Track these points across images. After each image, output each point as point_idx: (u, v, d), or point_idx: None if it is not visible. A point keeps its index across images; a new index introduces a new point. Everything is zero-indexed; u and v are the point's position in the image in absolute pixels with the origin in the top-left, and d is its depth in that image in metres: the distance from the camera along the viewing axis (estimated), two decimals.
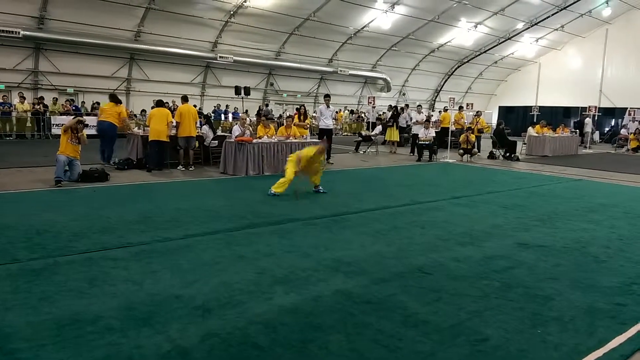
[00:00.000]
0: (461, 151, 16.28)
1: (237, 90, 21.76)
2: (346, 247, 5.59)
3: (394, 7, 23.93)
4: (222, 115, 24.26)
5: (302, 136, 13.35)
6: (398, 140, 18.75)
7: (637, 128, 22.70)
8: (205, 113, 18.62)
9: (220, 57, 23.42)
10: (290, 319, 3.66)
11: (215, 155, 12.77)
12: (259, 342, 3.29)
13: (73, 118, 10.30)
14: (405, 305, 3.98)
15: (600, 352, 3.30)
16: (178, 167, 11.93)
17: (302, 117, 14.69)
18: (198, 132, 12.69)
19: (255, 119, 20.91)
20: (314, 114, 21.84)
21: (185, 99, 12.45)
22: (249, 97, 23.79)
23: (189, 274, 4.56)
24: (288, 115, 15.53)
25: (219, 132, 15.44)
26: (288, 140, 12.27)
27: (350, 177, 11.82)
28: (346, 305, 3.93)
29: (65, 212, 6.97)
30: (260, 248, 5.45)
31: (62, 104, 20.66)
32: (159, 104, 12.21)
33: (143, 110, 21.46)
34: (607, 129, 28.62)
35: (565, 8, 26.40)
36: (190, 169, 11.92)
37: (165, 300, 3.94)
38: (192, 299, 3.97)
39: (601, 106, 27.30)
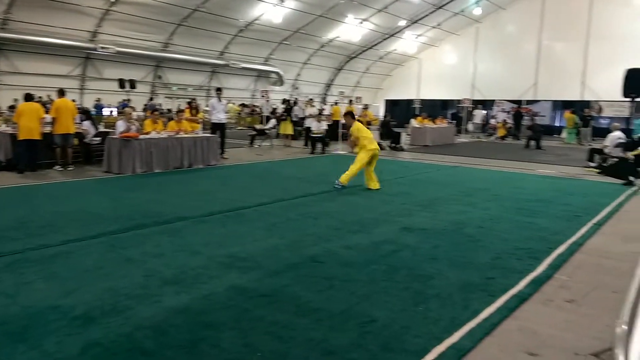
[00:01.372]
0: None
1: (122, 83, 20.45)
2: (240, 243, 5.54)
3: (283, 1, 24.03)
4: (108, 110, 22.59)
5: (194, 131, 12.95)
6: (292, 133, 18.95)
7: (504, 119, 25.27)
8: (85, 108, 17.23)
9: (101, 47, 21.78)
10: (180, 320, 3.55)
11: (97, 153, 11.89)
12: (147, 347, 3.15)
13: None
14: (298, 295, 4.05)
15: (474, 323, 3.64)
16: (55, 167, 10.93)
17: (193, 111, 14.26)
18: (77, 129, 11.73)
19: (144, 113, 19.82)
20: (207, 108, 21.26)
21: (61, 92, 11.42)
22: (135, 90, 22.47)
23: (68, 282, 4.23)
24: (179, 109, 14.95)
25: (102, 128, 14.39)
26: (179, 136, 11.83)
27: (244, 171, 11.72)
28: (239, 301, 3.91)
29: None
30: (148, 249, 5.21)
31: None
32: (28, 98, 11.05)
33: (12, 106, 19.28)
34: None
35: (441, 7, 28.46)
36: (69, 168, 10.98)
37: (41, 312, 3.62)
38: (72, 309, 3.69)
39: (474, 98, 29.93)
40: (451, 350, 3.21)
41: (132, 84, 20.99)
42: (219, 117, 13.82)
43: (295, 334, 3.36)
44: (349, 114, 10.24)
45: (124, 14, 21.45)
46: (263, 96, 20.59)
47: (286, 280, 4.40)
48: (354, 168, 9.09)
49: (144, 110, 21.96)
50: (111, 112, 21.66)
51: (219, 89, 14.42)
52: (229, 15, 24.03)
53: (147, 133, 11.43)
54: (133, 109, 17.49)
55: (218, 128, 13.67)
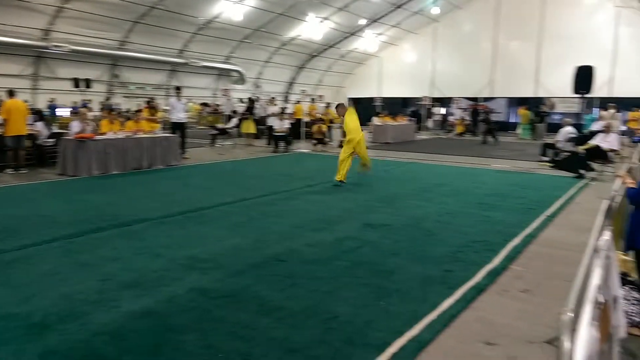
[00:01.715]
0: (314, 141, 16.94)
1: (77, 82, 19.78)
2: (201, 243, 5.48)
3: None
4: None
5: (153, 131, 12.68)
6: (255, 132, 18.83)
7: (462, 116, 25.89)
8: (38, 108, 16.56)
9: (54, 46, 20.96)
10: (140, 324, 3.49)
11: (51, 154, 11.47)
12: (106, 353, 3.09)
13: None
14: (260, 295, 4.05)
15: (433, 315, 3.73)
16: (7, 171, 10.47)
17: (152, 111, 13.95)
18: (30, 130, 11.28)
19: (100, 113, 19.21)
20: (166, 107, 20.83)
21: (11, 93, 10.94)
22: (90, 90, 21.77)
23: (24, 289, 4.08)
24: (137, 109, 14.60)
25: (56, 129, 13.88)
26: (137, 136, 11.55)
27: (206, 171, 11.56)
28: (201, 302, 3.87)
29: None
30: (106, 253, 5.08)
31: None
32: None
33: None
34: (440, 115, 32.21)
35: (400, 6, 28.84)
36: (22, 171, 10.54)
37: None
38: (29, 316, 3.57)
39: (433, 96, 30.50)
40: (411, 343, 3.28)
41: (88, 83, 20.33)
42: (179, 116, 13.59)
43: (257, 334, 3.36)
44: (340, 106, 10.54)
45: (78, 11, 20.72)
46: (224, 95, 20.37)
47: (248, 280, 4.38)
48: (341, 166, 9.50)
49: (101, 110, 21.34)
50: (74, 110, 20.73)
51: (178, 88, 14.18)
52: (188, 13, 23.59)
53: (103, 133, 11.12)
54: (89, 109, 16.98)
55: (178, 128, 13.44)
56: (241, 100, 23.03)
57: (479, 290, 4.24)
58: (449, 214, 7.17)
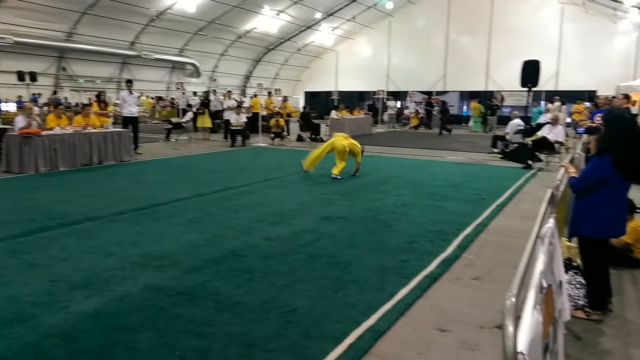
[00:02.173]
0: (272, 135, 16.85)
1: (21, 75, 18.81)
2: (156, 241, 5.35)
3: None
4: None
5: (103, 125, 12.24)
6: (211, 126, 18.52)
7: (416, 109, 26.40)
8: None
9: None
10: (92, 325, 3.38)
11: None
12: (55, 355, 2.98)
13: None
14: (218, 291, 4.01)
15: (389, 305, 3.81)
16: None
17: (102, 105, 13.44)
18: None
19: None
20: (117, 101, 20.16)
21: None
22: (36, 83, 20.75)
23: None
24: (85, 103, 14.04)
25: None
26: (86, 131, 11.13)
27: (161, 166, 11.29)
28: (156, 301, 3.79)
29: None
30: (55, 253, 4.88)
31: None
32: None
33: None
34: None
35: (355, 0, 29.03)
36: None
37: None
38: None
39: (389, 90, 30.93)
40: (368, 332, 3.34)
41: (33, 76, 19.35)
42: (131, 110, 13.18)
43: (215, 330, 3.33)
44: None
45: (22, 1, 19.68)
46: (178, 88, 19.90)
47: (205, 276, 4.33)
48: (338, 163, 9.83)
49: (47, 104, 20.42)
50: (19, 104, 19.65)
51: (129, 81, 13.73)
52: (139, 4, 22.85)
53: (50, 129, 10.65)
54: (35, 103, 16.20)
55: (130, 122, 13.04)
56: (195, 94, 22.57)
57: (433, 279, 4.36)
58: (405, 205, 7.31)
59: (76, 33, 23.26)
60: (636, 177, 3.53)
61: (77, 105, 21.85)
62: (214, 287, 4.09)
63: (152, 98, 29.31)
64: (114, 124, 14.06)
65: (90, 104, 14.16)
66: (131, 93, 13.30)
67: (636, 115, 14.84)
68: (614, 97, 13.07)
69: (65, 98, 23.93)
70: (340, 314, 3.61)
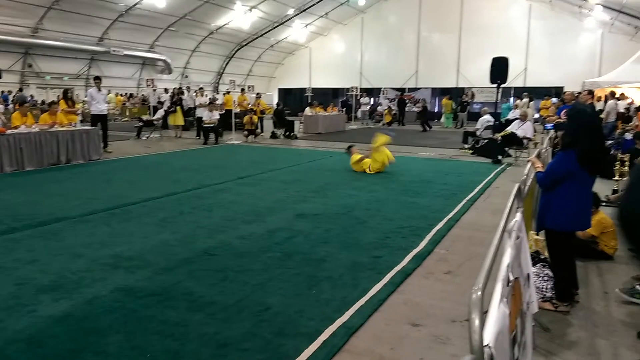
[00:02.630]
0: (245, 132, 16.73)
1: None
2: (127, 241, 5.25)
3: None
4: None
5: (71, 123, 11.94)
6: (183, 124, 18.27)
7: (389, 105, 26.61)
8: None
9: None
10: (60, 328, 3.30)
11: None
12: None
13: None
14: (190, 291, 3.96)
15: (363, 300, 3.84)
16: None
17: (70, 103, 13.08)
18: None
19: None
20: (85, 99, 19.67)
21: None
22: (1, 80, 20.07)
23: None
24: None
25: None
26: (53, 129, 10.83)
27: (131, 165, 11.07)
28: (127, 302, 3.72)
29: None
30: (21, 255, 4.74)
31: None
32: None
33: None
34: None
35: None
36: None
37: None
38: None
39: (362, 86, 31.06)
40: (342, 329, 3.36)
41: None
42: (100, 108, 12.88)
43: (188, 331, 3.29)
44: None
45: None
46: (149, 85, 19.55)
47: (178, 276, 4.27)
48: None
49: (13, 102, 19.75)
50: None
51: (98, 78, 13.40)
52: None
53: (15, 127, 10.33)
54: (5, 101, 15.65)
55: (99, 120, 12.74)
56: (166, 91, 22.21)
57: (405, 274, 4.41)
58: (378, 201, 7.36)
59: (42, 28, 22.58)
60: (600, 170, 3.64)
61: (43, 103, 21.24)
62: (187, 287, 4.04)
63: (122, 95, 28.72)
64: (82, 121, 13.72)
65: (57, 102, 13.79)
66: (100, 90, 13.00)
67: (601, 110, 15.33)
68: (579, 93, 13.44)
69: (32, 96, 23.23)
70: (314, 311, 3.62)
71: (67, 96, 12.98)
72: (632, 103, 17.08)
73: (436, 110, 30.24)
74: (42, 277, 4.20)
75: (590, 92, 10.49)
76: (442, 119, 26.04)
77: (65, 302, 3.70)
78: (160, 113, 18.21)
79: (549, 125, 15.95)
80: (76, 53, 25.04)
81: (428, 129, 22.25)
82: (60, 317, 3.46)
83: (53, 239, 5.29)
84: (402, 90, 30.80)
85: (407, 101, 27.00)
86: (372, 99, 29.83)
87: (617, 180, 7.44)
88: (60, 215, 6.29)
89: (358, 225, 6.01)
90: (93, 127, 12.10)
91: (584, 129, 3.56)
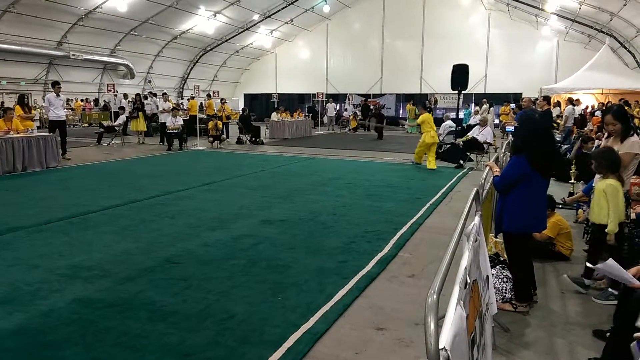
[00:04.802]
0: (211, 138, 16.55)
1: None
2: (85, 250, 5.10)
3: None
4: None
5: (27, 129, 11.53)
6: (145, 129, 17.92)
7: (354, 111, 26.83)
8: None
9: None
10: (13, 342, 3.17)
11: None
12: None
13: None
14: (152, 301, 3.88)
15: (328, 306, 3.85)
16: None
17: (26, 108, 12.64)
18: None
19: None
20: (43, 104, 19.03)
21: None
22: None
23: None
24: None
25: None
26: (9, 136, 10.43)
27: (91, 172, 10.76)
28: (85, 314, 3.61)
29: None
30: None
31: None
32: None
33: None
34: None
35: (292, 3, 29.10)
36: None
37: None
38: None
39: (328, 92, 31.26)
40: (307, 335, 3.36)
41: None
42: (58, 113, 12.50)
43: (149, 342, 3.22)
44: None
45: None
46: (110, 90, 19.10)
47: (139, 286, 4.18)
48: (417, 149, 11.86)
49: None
50: None
51: (56, 83, 13.00)
52: (65, 2, 21.71)
53: None
54: None
55: (57, 126, 12.36)
56: (125, 96, 21.74)
57: (370, 278, 4.45)
58: (344, 206, 7.41)
59: None
60: (551, 173, 3.78)
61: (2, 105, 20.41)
62: (148, 297, 3.95)
63: (81, 100, 27.93)
64: (39, 127, 13.26)
65: (11, 108, 13.30)
66: (58, 95, 12.61)
67: (558, 115, 15.94)
68: (536, 99, 13.93)
69: None
70: (280, 318, 3.60)
71: (24, 102, 12.54)
72: (588, 108, 17.85)
73: (401, 115, 30.67)
74: None
75: (546, 98, 10.88)
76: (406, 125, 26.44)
77: (19, 315, 3.56)
78: (122, 119, 17.79)
79: (509, 128, 16.51)
80: (33, 57, 24.21)
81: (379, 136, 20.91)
82: (14, 331, 3.33)
83: (7, 250, 5.09)
84: (367, 96, 31.13)
85: (371, 107, 27.27)
86: (337, 105, 30.01)
87: (572, 183, 7.74)
88: (15, 224, 6.06)
89: (324, 231, 6.03)
90: (51, 134, 11.72)
91: (532, 133, 3.70)
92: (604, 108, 11.69)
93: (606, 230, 4.01)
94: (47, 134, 11.68)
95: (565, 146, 12.26)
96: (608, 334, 3.20)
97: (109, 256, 4.95)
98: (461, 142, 12.35)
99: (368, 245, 5.42)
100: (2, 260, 4.77)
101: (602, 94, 21.58)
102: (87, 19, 23.95)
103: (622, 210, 4.09)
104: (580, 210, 6.66)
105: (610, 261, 3.02)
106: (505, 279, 4.04)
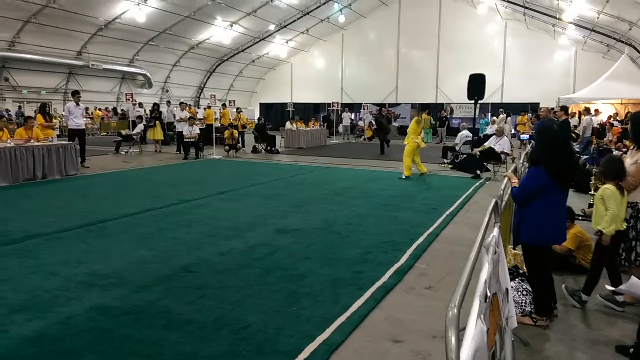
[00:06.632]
0: (226, 147, 16.67)
1: None
2: (103, 258, 5.15)
3: (146, 0, 22.84)
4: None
5: (47, 138, 11.75)
6: (162, 138, 18.13)
7: (370, 121, 26.83)
8: None
9: None
10: (33, 349, 3.20)
11: None
12: None
13: None
14: (168, 309, 3.89)
15: (344, 317, 3.81)
16: None
17: (47, 117, 12.88)
18: None
19: None
20: (63, 113, 19.38)
21: None
22: None
23: None
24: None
25: None
26: (29, 144, 10.63)
27: (109, 180, 10.90)
28: (102, 322, 3.63)
29: None
30: None
31: None
32: None
33: None
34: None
35: (307, 13, 29.34)
36: None
37: None
38: None
39: (343, 102, 31.33)
40: (323, 346, 3.33)
41: None
42: (77, 122, 12.72)
43: (164, 350, 3.22)
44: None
45: None
46: (128, 99, 19.39)
47: (155, 294, 4.20)
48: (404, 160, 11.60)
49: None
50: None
51: (76, 92, 13.24)
52: (86, 13, 22.16)
53: None
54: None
55: (76, 134, 12.57)
56: (140, 105, 22.05)
57: (387, 289, 4.40)
58: (359, 216, 7.37)
59: (19, 42, 22.28)
60: (570, 184, 3.71)
61: (19, 117, 20.85)
62: (164, 305, 3.97)
63: (100, 110, 28.40)
64: (59, 136, 13.50)
65: (31, 117, 13.58)
66: (78, 104, 12.84)
67: (576, 126, 15.72)
68: (553, 109, 13.77)
69: (7, 110, 22.81)
70: (294, 329, 3.58)
71: (45, 111, 12.79)
72: (610, 118, 17.57)
73: None
74: (15, 296, 4.08)
75: (563, 108, 10.75)
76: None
77: (38, 322, 3.60)
78: (140, 127, 18.03)
79: (524, 137, 16.33)
80: (54, 67, 24.74)
81: (387, 147, 18.73)
82: (33, 338, 3.36)
83: (27, 257, 5.16)
84: (382, 105, 31.11)
85: (384, 116, 27.20)
86: (352, 114, 30.03)
87: (592, 194, 7.60)
88: (35, 232, 6.15)
89: (339, 241, 6.00)
90: (70, 142, 11.92)
91: (550, 144, 3.64)
92: (625, 120, 11.50)
93: (600, 227, 3.94)
94: (67, 142, 11.87)
95: (585, 157, 12.08)
96: (631, 349, 3.11)
97: (126, 264, 4.99)
98: (478, 152, 12.24)
99: (384, 256, 5.38)
100: (22, 267, 4.84)
101: (621, 104, 21.24)
102: (106, 30, 24.42)
103: (621, 216, 3.98)
104: None
105: (633, 279, 2.96)
106: (524, 292, 3.97)
